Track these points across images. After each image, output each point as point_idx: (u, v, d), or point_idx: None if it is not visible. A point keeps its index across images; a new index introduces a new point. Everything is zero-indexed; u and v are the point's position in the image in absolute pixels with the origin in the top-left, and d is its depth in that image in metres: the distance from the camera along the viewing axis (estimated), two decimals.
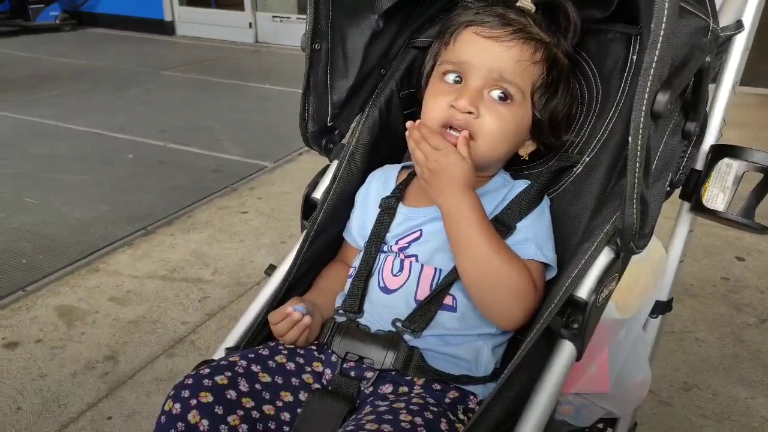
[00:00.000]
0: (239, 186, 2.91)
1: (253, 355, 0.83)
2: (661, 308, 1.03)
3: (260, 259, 2.26)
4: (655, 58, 0.59)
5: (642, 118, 0.62)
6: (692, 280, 2.15)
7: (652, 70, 0.60)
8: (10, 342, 1.79)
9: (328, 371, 0.84)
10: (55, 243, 2.33)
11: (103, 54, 5.42)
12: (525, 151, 0.91)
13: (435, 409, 0.75)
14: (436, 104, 0.87)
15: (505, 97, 0.85)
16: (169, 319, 1.91)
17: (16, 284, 2.05)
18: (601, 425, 1.13)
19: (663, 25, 0.58)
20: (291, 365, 0.84)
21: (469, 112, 0.84)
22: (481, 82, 0.85)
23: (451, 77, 0.88)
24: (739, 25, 0.87)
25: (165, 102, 4.26)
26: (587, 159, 0.93)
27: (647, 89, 0.61)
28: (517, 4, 0.87)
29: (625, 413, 1.06)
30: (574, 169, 0.94)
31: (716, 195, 0.96)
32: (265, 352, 0.85)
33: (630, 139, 0.64)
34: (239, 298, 2.03)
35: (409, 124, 0.86)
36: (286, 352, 0.86)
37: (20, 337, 1.81)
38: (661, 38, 0.58)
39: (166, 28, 6.17)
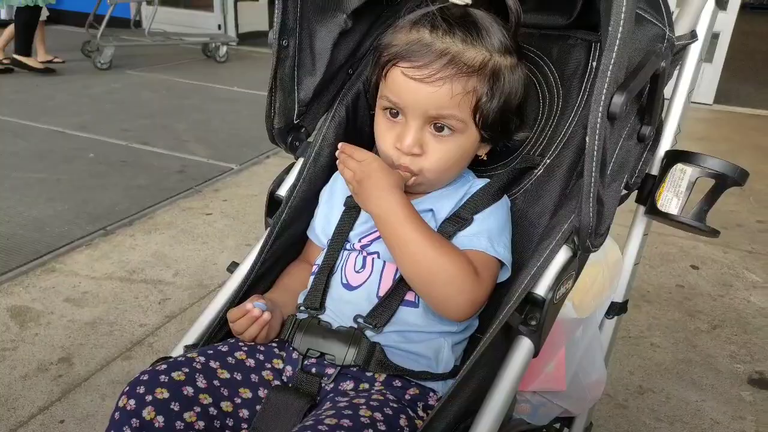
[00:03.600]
0: (204, 188, 2.88)
1: (211, 352, 0.82)
2: (616, 309, 1.05)
3: (223, 261, 2.23)
4: (612, 60, 0.61)
5: (599, 119, 0.64)
6: (649, 287, 2.21)
7: (609, 73, 0.62)
8: None
9: (288, 368, 0.83)
10: (9, 242, 2.26)
11: (68, 52, 5.28)
12: (482, 152, 0.92)
13: (395, 405, 0.76)
14: (383, 144, 0.88)
15: (444, 129, 0.85)
16: (127, 321, 1.87)
17: None
18: (557, 425, 1.15)
19: (620, 29, 0.60)
20: (251, 362, 0.83)
21: (414, 154, 0.85)
22: (420, 121, 0.85)
23: (391, 113, 0.87)
24: (693, 35, 0.91)
25: (130, 101, 4.19)
26: (548, 161, 0.95)
27: (604, 91, 0.63)
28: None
29: (581, 412, 1.08)
30: (536, 171, 0.95)
31: (670, 199, 1.00)
32: (225, 349, 0.84)
33: (587, 138, 0.66)
34: (200, 300, 2.00)
35: (337, 151, 0.85)
36: (246, 348, 0.85)
37: None
38: (618, 41, 0.60)
39: (134, 27, 6.05)
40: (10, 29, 4.70)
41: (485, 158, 0.93)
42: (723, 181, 0.95)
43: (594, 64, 0.94)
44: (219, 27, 6.03)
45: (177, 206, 2.68)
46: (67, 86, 4.44)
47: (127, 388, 0.74)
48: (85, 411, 1.50)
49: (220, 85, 4.71)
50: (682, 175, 0.99)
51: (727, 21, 4.59)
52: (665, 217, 0.98)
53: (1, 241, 2.26)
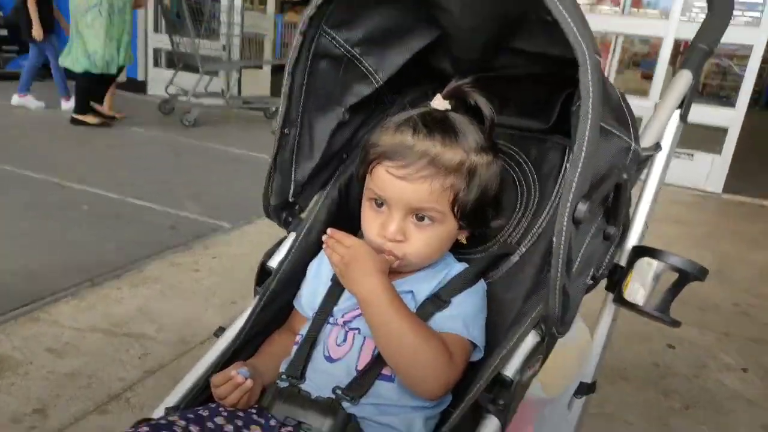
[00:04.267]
0: (194, 244, 2.92)
1: (192, 416, 0.85)
2: (584, 389, 1.10)
3: (208, 319, 2.25)
4: (576, 175, 0.70)
5: (565, 223, 0.72)
6: (625, 365, 2.24)
7: (574, 184, 0.70)
8: None
9: None
10: None
11: (11, 100, 5.41)
12: (461, 237, 0.99)
13: None
14: (369, 231, 0.95)
15: (425, 219, 0.92)
16: (106, 374, 1.87)
17: None
18: None
19: (584, 147, 0.69)
20: (229, 427, 0.86)
21: (397, 240, 0.92)
22: (402, 212, 0.92)
23: (376, 203, 0.95)
24: (657, 147, 1.01)
25: (129, 157, 4.29)
26: (524, 249, 1.02)
27: (570, 198, 0.71)
28: (432, 103, 0.94)
29: None
30: (512, 258, 1.02)
31: (637, 289, 1.07)
32: (205, 413, 0.87)
33: (554, 239, 0.73)
34: (180, 357, 2.01)
35: (324, 237, 0.92)
36: (225, 414, 0.88)
37: None
38: (582, 159, 0.69)
39: (138, 86, 6.26)
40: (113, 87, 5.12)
41: (465, 242, 0.99)
42: (685, 276, 1.03)
43: (567, 165, 1.03)
44: (222, 92, 6.24)
45: (166, 261, 2.71)
46: (68, 139, 4.54)
47: None
48: None
49: (219, 145, 4.84)
50: (648, 267, 1.06)
51: (736, 117, 4.85)
52: (631, 307, 1.04)
53: None
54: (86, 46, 4.77)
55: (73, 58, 4.84)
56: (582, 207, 0.71)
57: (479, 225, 0.97)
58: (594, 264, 0.90)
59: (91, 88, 4.95)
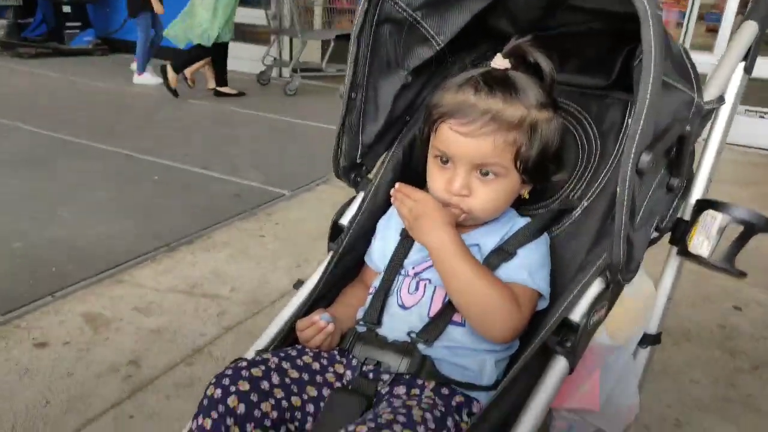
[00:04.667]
0: (258, 211, 3.05)
1: (282, 354, 0.95)
2: (649, 340, 1.14)
3: (276, 281, 2.38)
4: (640, 126, 0.73)
5: (628, 173, 0.75)
6: (690, 325, 2.24)
7: (637, 137, 0.74)
8: (39, 342, 1.91)
9: (348, 373, 0.95)
10: (83, 254, 2.46)
11: (132, 80, 5.65)
12: (524, 192, 1.03)
13: (443, 409, 0.87)
14: (434, 187, 1.00)
15: (489, 174, 0.97)
16: (188, 331, 2.03)
17: (46, 290, 2.18)
18: None
19: (647, 100, 0.72)
20: (316, 365, 0.95)
21: (463, 195, 0.97)
22: (467, 168, 0.96)
23: (441, 160, 1.00)
24: (721, 100, 1.01)
25: (190, 128, 4.46)
26: (585, 204, 1.06)
27: (633, 150, 0.74)
28: (492, 63, 0.98)
29: None
30: (574, 213, 1.06)
31: (701, 242, 1.09)
32: (294, 353, 0.96)
33: (618, 189, 0.77)
34: (255, 316, 2.15)
35: (392, 191, 0.98)
36: (311, 354, 0.97)
37: (49, 338, 1.93)
38: (645, 110, 0.72)
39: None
40: (207, 60, 5.43)
41: (527, 197, 1.04)
42: (750, 229, 1.04)
43: (629, 121, 1.05)
44: (274, 59, 6.33)
45: (233, 227, 2.86)
46: (132, 112, 4.75)
47: (214, 380, 0.88)
48: (152, 409, 1.65)
49: (274, 115, 4.96)
50: (712, 220, 1.08)
51: None
52: (696, 259, 1.06)
53: (76, 254, 2.46)
54: (199, 21, 5.06)
55: (183, 33, 5.13)
56: (645, 158, 0.74)
57: (541, 179, 1.01)
58: (658, 215, 0.93)
59: (193, 59, 5.30)
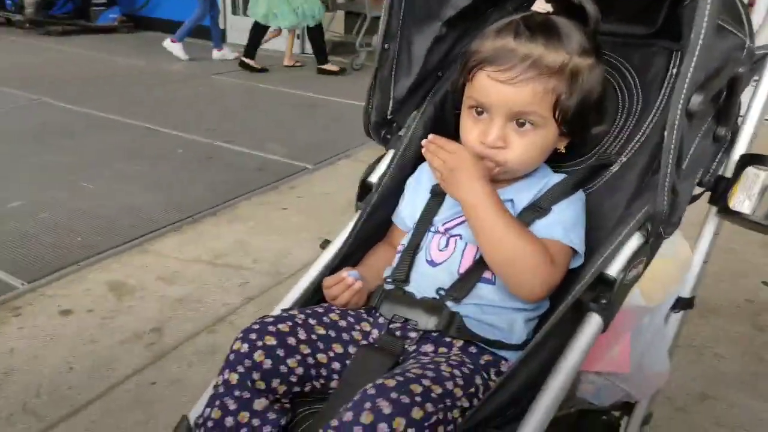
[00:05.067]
0: (281, 185, 3.05)
1: (309, 311, 0.93)
2: (683, 304, 1.09)
3: (298, 252, 2.37)
4: (693, 64, 0.68)
5: (678, 116, 0.71)
6: (717, 300, 2.18)
7: (689, 74, 0.69)
8: (64, 309, 1.93)
9: (375, 331, 0.93)
10: (108, 225, 2.48)
11: (158, 56, 5.67)
12: (561, 145, 0.99)
13: (471, 367, 0.84)
14: (468, 139, 0.96)
15: (526, 124, 0.92)
16: (212, 300, 2.03)
17: (72, 259, 2.20)
18: (618, 413, 1.19)
19: (701, 35, 0.67)
20: (343, 323, 0.93)
21: (498, 147, 0.93)
22: (504, 118, 0.92)
23: (476, 111, 0.95)
24: None
25: (214, 103, 4.46)
26: (624, 159, 1.01)
27: (684, 90, 0.70)
28: (533, 6, 0.93)
29: (643, 397, 1.12)
30: (611, 168, 1.01)
31: (742, 201, 1.03)
32: (320, 310, 0.94)
33: (666, 133, 0.72)
34: (277, 286, 2.14)
35: (424, 142, 0.94)
36: (338, 311, 0.95)
37: (73, 306, 1.95)
38: (699, 47, 0.67)
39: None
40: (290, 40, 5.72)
41: (563, 151, 0.99)
42: None
43: (674, 71, 0.99)
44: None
45: (256, 200, 2.86)
46: (157, 87, 4.76)
47: (241, 334, 0.86)
48: (174, 376, 1.66)
49: (296, 90, 4.93)
50: (755, 178, 1.03)
51: None
52: (737, 217, 1.01)
53: (101, 224, 2.48)
54: (291, 3, 5.22)
55: (269, 12, 5.27)
56: (696, 99, 0.70)
57: (580, 131, 0.97)
58: (702, 167, 0.89)
59: (256, 39, 5.45)
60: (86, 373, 1.66)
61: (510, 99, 0.90)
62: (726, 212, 1.03)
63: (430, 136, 0.94)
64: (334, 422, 0.72)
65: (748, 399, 1.69)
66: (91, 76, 4.96)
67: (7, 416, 1.49)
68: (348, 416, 0.71)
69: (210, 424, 0.83)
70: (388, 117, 1.09)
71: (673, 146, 0.72)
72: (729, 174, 1.02)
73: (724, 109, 0.85)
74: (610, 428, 1.22)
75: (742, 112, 1.02)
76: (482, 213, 0.89)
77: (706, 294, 2.18)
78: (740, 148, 1.03)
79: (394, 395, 0.71)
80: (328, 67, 5.57)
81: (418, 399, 0.71)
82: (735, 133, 0.99)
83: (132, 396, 1.58)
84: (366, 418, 0.69)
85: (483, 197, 0.89)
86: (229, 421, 0.82)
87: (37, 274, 2.09)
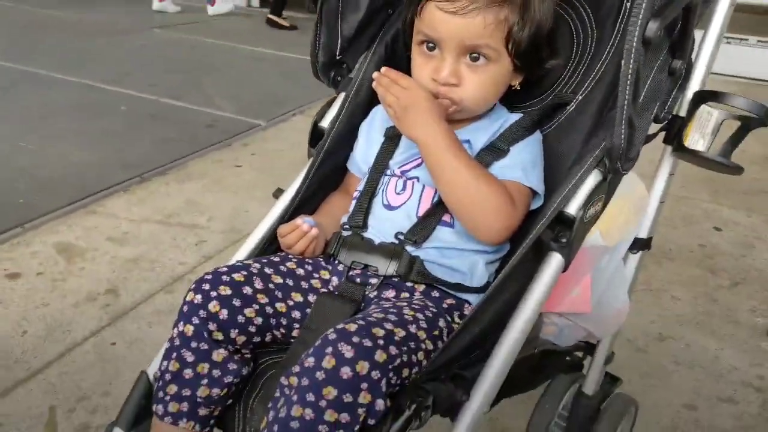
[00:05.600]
0: (233, 141, 2.96)
1: (265, 260, 0.90)
2: (640, 245, 1.11)
3: (254, 209, 2.32)
4: None
5: (635, 43, 0.69)
6: (671, 245, 2.25)
7: (644, 1, 0.67)
8: (11, 273, 1.84)
9: (335, 279, 0.91)
10: (51, 185, 2.36)
11: (94, 8, 5.35)
12: (515, 82, 0.97)
13: (434, 310, 0.83)
14: (420, 76, 0.93)
15: (480, 58, 0.90)
16: (167, 260, 1.97)
17: (15, 221, 2.09)
18: (580, 354, 1.23)
19: None
20: (300, 271, 0.91)
21: (451, 84, 0.90)
22: (455, 53, 0.89)
23: (427, 46, 0.92)
24: None
25: (157, 58, 4.24)
26: (580, 98, 1.00)
27: (641, 16, 0.68)
28: None
29: (604, 336, 1.15)
30: (568, 107, 1.01)
31: (697, 140, 1.04)
32: (276, 259, 0.91)
33: (623, 62, 0.71)
34: (234, 244, 2.09)
35: (375, 74, 0.90)
36: (295, 260, 0.92)
37: (21, 269, 1.86)
38: None
39: None
40: None
41: (518, 88, 0.98)
42: (748, 122, 1.00)
43: (628, 5, 0.98)
44: None
45: (208, 158, 2.76)
46: (94, 41, 4.50)
47: (194, 285, 0.83)
48: (134, 336, 1.61)
49: (243, 45, 4.75)
50: (708, 116, 1.03)
51: None
52: (692, 155, 1.02)
53: (44, 184, 2.36)
54: None
55: None
56: (653, 25, 0.68)
57: (534, 65, 0.95)
58: (659, 100, 0.88)
59: None
60: (41, 337, 1.60)
61: (461, 31, 0.87)
62: (681, 150, 1.04)
63: (383, 69, 0.90)
64: (296, 368, 0.70)
65: (703, 338, 1.77)
66: (22, 30, 4.63)
67: None
68: (310, 362, 0.69)
69: (168, 377, 0.80)
70: (337, 57, 1.05)
71: (630, 74, 0.71)
72: (683, 113, 1.03)
73: (679, 40, 0.85)
74: (574, 368, 1.26)
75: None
76: (440, 154, 0.87)
77: (660, 240, 2.25)
78: (694, 85, 1.03)
79: (356, 339, 0.69)
80: (279, 20, 5.35)
81: (380, 342, 0.70)
82: (689, 69, 0.98)
83: (91, 357, 1.54)
84: (328, 362, 0.68)
85: (440, 137, 0.87)
86: (187, 373, 0.80)
87: None
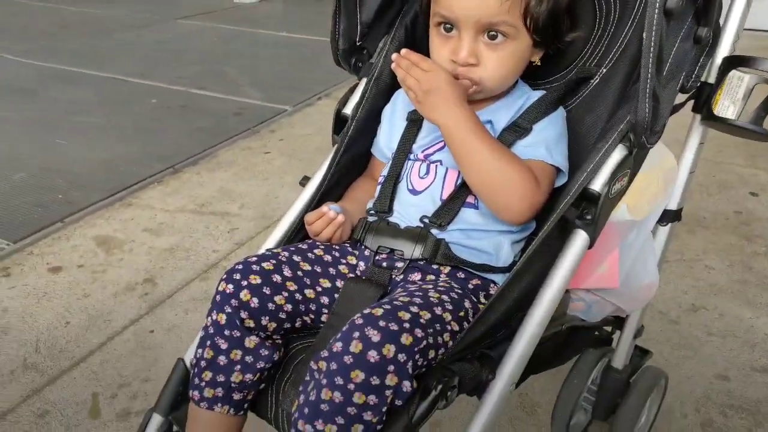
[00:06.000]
0: (261, 128, 2.98)
1: (293, 248, 0.92)
2: (670, 216, 1.09)
3: (284, 195, 2.35)
4: None
5: (656, 15, 0.68)
6: (705, 213, 2.20)
7: None
8: (54, 267, 1.92)
9: (361, 263, 0.92)
10: (87, 180, 2.43)
11: (116, 3, 5.42)
12: (535, 58, 0.95)
13: (459, 291, 0.84)
14: (439, 58, 0.92)
15: (497, 36, 0.88)
16: (201, 248, 2.02)
17: (55, 216, 2.17)
18: (609, 328, 1.22)
19: None
20: (328, 257, 0.92)
21: (470, 64, 0.89)
22: (473, 32, 0.88)
23: (444, 27, 0.91)
24: None
25: (181, 49, 4.29)
26: (604, 71, 0.98)
27: None
28: None
29: (633, 310, 1.14)
30: (592, 81, 0.99)
31: (727, 107, 1.01)
32: (304, 247, 0.93)
33: (644, 34, 0.69)
34: (265, 230, 2.13)
35: (395, 56, 0.89)
36: (323, 247, 0.94)
37: (63, 263, 1.93)
38: None
39: None
40: None
41: (539, 64, 0.96)
42: None
43: None
44: None
45: (237, 146, 2.80)
46: (119, 36, 4.57)
47: (225, 275, 0.85)
48: (171, 323, 1.67)
49: (266, 30, 4.76)
50: (739, 82, 1.00)
51: None
52: (722, 123, 1.00)
53: (81, 180, 2.43)
54: None
55: None
56: None
57: (554, 39, 0.93)
58: (684, 70, 0.86)
59: None
60: (83, 327, 1.66)
61: (477, 10, 0.86)
62: (711, 119, 1.01)
63: (403, 51, 0.89)
64: (324, 353, 0.72)
65: (737, 307, 1.73)
66: (47, 27, 4.73)
67: (10, 372, 1.51)
68: (338, 346, 0.71)
69: (203, 363, 0.83)
70: (357, 43, 1.05)
71: (652, 47, 0.69)
72: (712, 80, 1.00)
73: (704, 7, 0.82)
74: (603, 343, 1.25)
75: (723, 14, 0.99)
76: (462, 136, 0.87)
77: (695, 207, 2.20)
78: (723, 51, 1.00)
79: (382, 323, 0.71)
80: None
81: (406, 326, 0.72)
82: (717, 35, 0.95)
83: (131, 345, 1.60)
84: (355, 347, 0.69)
85: (462, 120, 0.86)
86: (222, 359, 0.82)
87: (22, 233, 2.06)
